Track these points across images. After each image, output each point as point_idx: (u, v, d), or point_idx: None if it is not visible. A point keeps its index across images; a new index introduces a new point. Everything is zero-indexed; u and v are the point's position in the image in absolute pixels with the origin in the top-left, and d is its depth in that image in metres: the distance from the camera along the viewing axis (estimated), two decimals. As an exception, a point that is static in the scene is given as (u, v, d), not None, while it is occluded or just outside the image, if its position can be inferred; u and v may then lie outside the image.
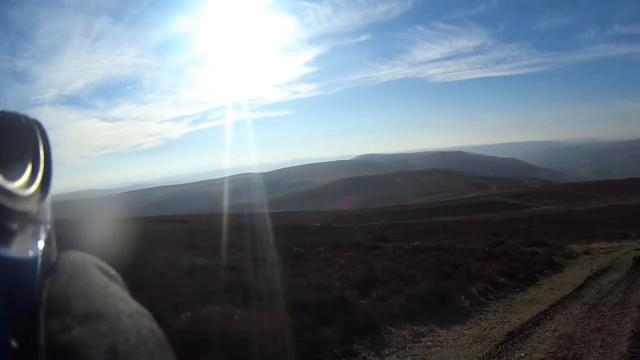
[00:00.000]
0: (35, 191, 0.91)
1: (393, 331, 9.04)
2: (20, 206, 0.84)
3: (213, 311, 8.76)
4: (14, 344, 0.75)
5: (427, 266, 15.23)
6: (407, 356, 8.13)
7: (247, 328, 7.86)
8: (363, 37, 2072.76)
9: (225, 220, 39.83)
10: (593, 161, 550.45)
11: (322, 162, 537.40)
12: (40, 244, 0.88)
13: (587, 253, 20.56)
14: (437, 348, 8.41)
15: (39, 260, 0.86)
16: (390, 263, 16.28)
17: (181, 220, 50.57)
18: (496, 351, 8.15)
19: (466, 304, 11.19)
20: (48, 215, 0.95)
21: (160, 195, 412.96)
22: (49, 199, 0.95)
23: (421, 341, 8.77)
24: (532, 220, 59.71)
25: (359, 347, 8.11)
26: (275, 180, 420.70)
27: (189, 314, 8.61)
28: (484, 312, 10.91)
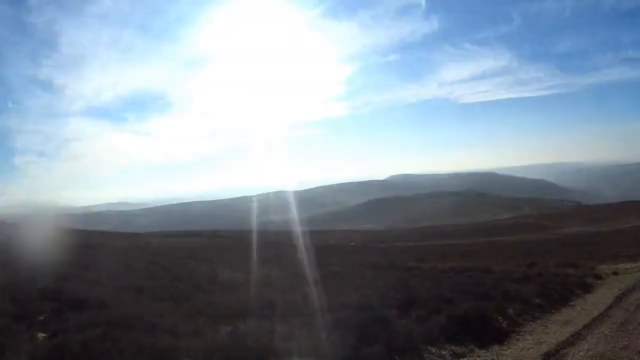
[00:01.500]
0: None
1: (433, 351, 8.99)
2: None
3: (254, 326, 8.76)
4: None
5: (464, 287, 15.11)
6: (448, 376, 8.08)
7: (288, 345, 7.84)
8: (392, 57, 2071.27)
9: (261, 237, 39.94)
10: (618, 182, 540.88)
11: (354, 182, 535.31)
12: None
13: (615, 273, 20.43)
14: (477, 368, 8.37)
15: None
16: (428, 283, 16.17)
17: (218, 236, 50.74)
18: (534, 371, 8.11)
19: (504, 325, 11.14)
20: None
21: (196, 210, 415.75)
22: None
23: (461, 361, 8.71)
24: (564, 241, 59.22)
25: (400, 366, 8.05)
26: (308, 199, 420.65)
27: (229, 328, 8.61)
28: (521, 333, 10.88)
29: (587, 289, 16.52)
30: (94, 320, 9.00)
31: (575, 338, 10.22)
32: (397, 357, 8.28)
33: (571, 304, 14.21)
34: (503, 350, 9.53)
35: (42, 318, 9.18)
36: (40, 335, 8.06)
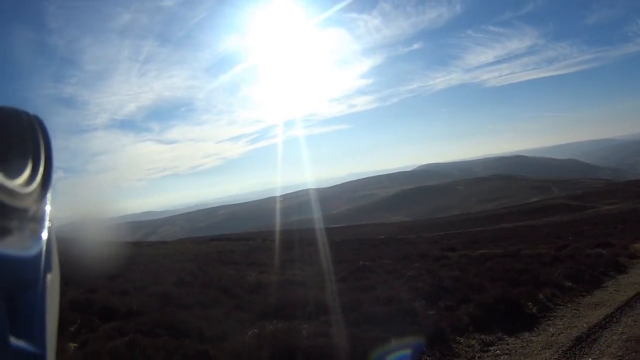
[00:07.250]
0: (36, 189, 0.93)
1: (462, 341, 8.91)
2: (21, 204, 0.86)
3: (280, 327, 8.76)
4: (14, 342, 0.77)
5: (494, 274, 15.02)
6: (476, 365, 8.03)
7: (315, 342, 7.83)
8: (415, 46, 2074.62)
9: (288, 236, 39.87)
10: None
11: (384, 174, 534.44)
12: (41, 242, 0.91)
13: (650, 252, 19.82)
14: (506, 356, 8.29)
15: (41, 258, 0.89)
16: (457, 272, 16.08)
17: (245, 238, 50.93)
18: (564, 357, 8.07)
19: (534, 310, 11.02)
20: (48, 213, 0.96)
21: (222, 214, 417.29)
22: (49, 196, 0.97)
23: (490, 350, 8.63)
24: (595, 220, 58.77)
25: (428, 357, 8.01)
26: (338, 194, 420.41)
27: (255, 330, 8.63)
28: (552, 318, 10.73)
29: (620, 269, 16.27)
30: (122, 328, 9.12)
31: (608, 321, 10.05)
32: (425, 348, 8.24)
33: (603, 285, 14.01)
34: (533, 336, 9.41)
35: (72, 329, 9.27)
36: (72, 345, 8.14)
